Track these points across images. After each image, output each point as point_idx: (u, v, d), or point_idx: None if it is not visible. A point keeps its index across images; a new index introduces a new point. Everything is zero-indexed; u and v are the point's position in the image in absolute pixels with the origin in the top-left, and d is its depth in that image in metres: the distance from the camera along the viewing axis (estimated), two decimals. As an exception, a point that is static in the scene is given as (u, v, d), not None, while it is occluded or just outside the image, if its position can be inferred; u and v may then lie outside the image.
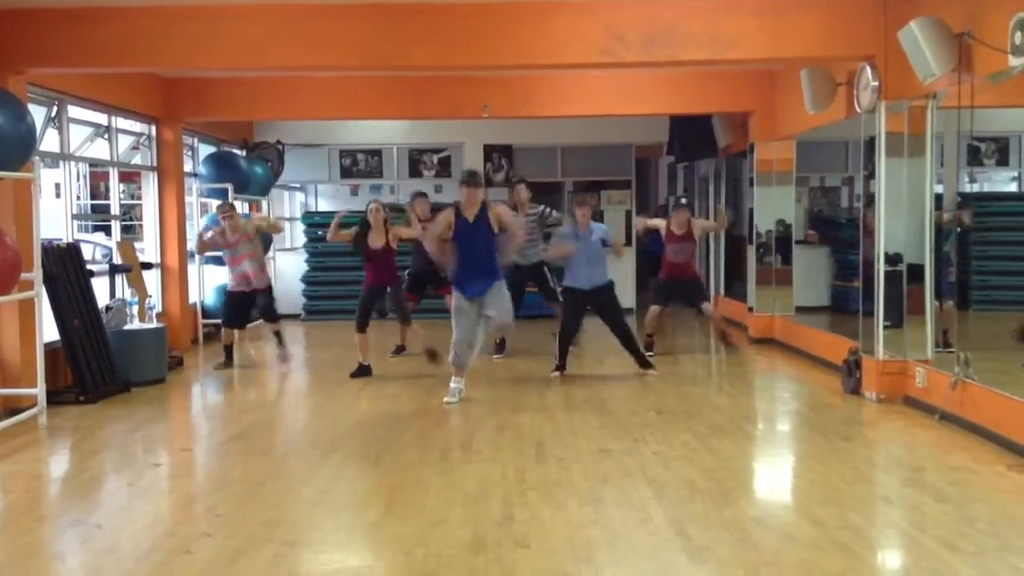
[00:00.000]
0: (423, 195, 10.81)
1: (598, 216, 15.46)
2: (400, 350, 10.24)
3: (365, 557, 4.48)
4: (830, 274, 11.61)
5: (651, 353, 9.74)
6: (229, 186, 11.81)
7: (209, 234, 9.76)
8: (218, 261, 12.08)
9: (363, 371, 9.18)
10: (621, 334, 9.07)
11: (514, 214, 9.68)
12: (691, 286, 10.18)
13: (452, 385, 7.84)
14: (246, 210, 13.67)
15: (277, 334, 10.02)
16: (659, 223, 10.42)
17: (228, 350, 9.87)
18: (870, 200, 8.09)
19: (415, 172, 15.15)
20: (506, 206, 8.23)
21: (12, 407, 7.30)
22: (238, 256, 9.69)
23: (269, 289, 10.03)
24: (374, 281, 9.30)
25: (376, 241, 9.15)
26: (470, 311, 7.80)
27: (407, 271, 10.31)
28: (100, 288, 9.09)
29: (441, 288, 10.21)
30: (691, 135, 13.37)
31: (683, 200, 11.28)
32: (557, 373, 8.91)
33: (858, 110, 7.90)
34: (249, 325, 10.70)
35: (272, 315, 10.04)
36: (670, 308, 10.56)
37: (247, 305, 9.93)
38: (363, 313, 9.28)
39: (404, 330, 9.90)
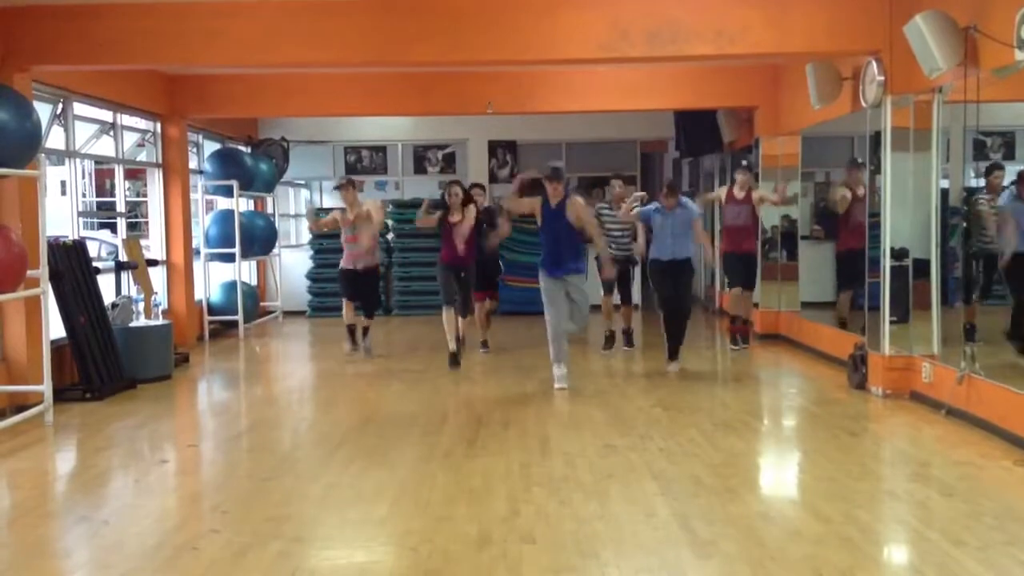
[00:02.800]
0: (480, 187, 10.78)
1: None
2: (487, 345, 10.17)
3: (371, 553, 4.47)
4: (836, 269, 11.58)
5: (741, 346, 10.03)
6: (234, 183, 11.83)
7: (328, 217, 9.93)
8: (224, 259, 12.15)
9: (453, 360, 9.22)
10: (680, 315, 8.99)
11: (607, 208, 9.85)
12: (749, 264, 10.09)
13: (556, 372, 8.09)
14: (250, 207, 13.70)
15: (365, 329, 10.01)
16: (720, 192, 10.39)
17: (351, 331, 9.94)
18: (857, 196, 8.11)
19: (420, 168, 15.17)
20: (581, 199, 8.35)
21: (19, 404, 7.32)
22: (357, 233, 9.73)
23: (377, 273, 10.10)
24: (449, 259, 9.30)
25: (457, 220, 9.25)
26: (556, 290, 8.03)
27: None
28: (106, 285, 9.11)
29: (481, 291, 10.05)
30: (696, 130, 13.34)
31: (744, 162, 11.14)
32: (674, 366, 8.92)
33: (864, 104, 7.88)
34: (256, 321, 10.69)
35: (371, 310, 10.07)
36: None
37: (359, 283, 9.91)
38: (448, 292, 9.30)
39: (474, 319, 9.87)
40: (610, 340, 10.05)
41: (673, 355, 8.97)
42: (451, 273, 9.34)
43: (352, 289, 9.93)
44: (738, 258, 10.12)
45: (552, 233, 8.10)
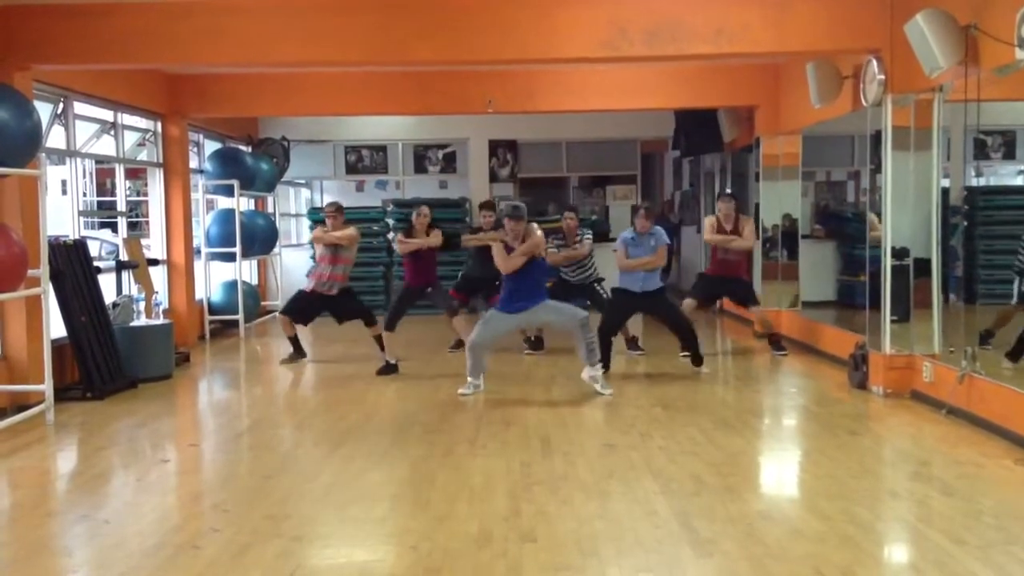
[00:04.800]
0: (490, 205, 10.29)
1: (602, 211, 15.52)
2: (459, 345, 9.73)
3: (372, 551, 4.48)
4: (836, 268, 11.59)
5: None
6: (235, 182, 11.83)
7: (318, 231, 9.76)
8: (224, 258, 12.15)
9: (389, 369, 9.00)
10: (683, 332, 8.83)
11: (560, 241, 9.67)
12: (740, 285, 9.88)
13: (470, 380, 7.91)
14: (251, 206, 13.71)
15: (378, 338, 9.52)
16: (710, 226, 9.95)
17: (294, 341, 9.71)
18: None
19: (420, 168, 15.18)
20: (541, 235, 8.08)
21: (20, 403, 7.33)
22: (338, 256, 9.48)
23: (351, 292, 9.74)
24: (413, 282, 9.33)
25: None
26: (501, 323, 7.90)
27: (461, 272, 10.31)
28: (107, 285, 9.11)
29: (493, 297, 9.88)
30: (696, 130, 13.35)
31: (728, 191, 10.94)
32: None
33: (864, 104, 7.88)
34: (257, 321, 10.64)
35: (370, 318, 9.68)
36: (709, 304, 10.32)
37: (320, 308, 9.66)
38: (397, 313, 9.20)
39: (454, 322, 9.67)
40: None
41: (699, 362, 8.83)
42: (415, 295, 9.34)
43: (310, 313, 9.67)
44: (718, 280, 9.88)
45: (513, 277, 7.77)
